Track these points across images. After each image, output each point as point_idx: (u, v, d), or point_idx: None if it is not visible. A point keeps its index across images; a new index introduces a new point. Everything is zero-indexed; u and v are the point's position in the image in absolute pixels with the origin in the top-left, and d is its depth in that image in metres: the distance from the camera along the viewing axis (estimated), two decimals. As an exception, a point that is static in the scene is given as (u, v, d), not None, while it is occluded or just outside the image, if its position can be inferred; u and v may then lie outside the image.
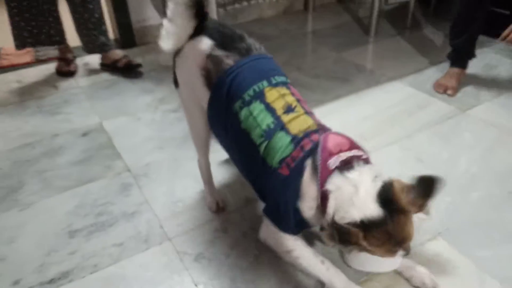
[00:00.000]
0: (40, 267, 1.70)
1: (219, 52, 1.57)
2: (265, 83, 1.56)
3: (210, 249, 1.75)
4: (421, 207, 1.33)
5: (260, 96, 1.53)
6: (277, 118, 1.51)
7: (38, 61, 3.49)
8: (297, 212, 1.49)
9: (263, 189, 1.64)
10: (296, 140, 1.48)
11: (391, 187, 1.34)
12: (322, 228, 1.48)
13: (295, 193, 1.48)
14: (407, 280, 1.60)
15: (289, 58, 3.44)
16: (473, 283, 1.56)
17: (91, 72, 3.32)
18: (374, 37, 3.76)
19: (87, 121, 2.67)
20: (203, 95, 1.63)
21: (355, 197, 1.35)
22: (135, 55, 3.47)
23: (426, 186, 1.32)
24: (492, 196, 1.96)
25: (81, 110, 2.80)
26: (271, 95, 1.55)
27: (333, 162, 1.41)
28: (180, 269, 1.67)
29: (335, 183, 1.39)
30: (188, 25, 1.59)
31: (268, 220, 1.59)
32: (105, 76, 3.25)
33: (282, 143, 1.48)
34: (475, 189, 2.01)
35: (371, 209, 1.32)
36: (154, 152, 2.36)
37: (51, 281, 1.65)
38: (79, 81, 3.18)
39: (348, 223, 1.30)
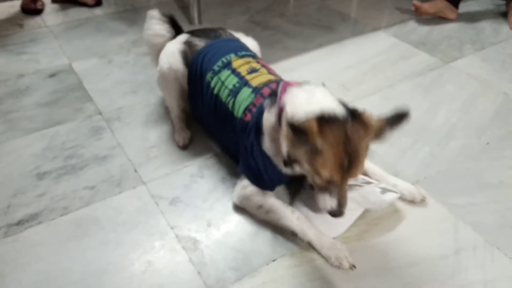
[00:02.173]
0: (7, 209, 1.63)
1: (194, 39, 1.89)
2: (232, 55, 1.75)
3: (186, 193, 1.71)
4: (380, 131, 1.29)
5: (227, 65, 1.71)
6: (241, 78, 1.65)
7: (1, -3, 3.23)
8: (264, 154, 1.50)
9: (236, 146, 1.67)
10: (257, 90, 1.59)
11: (357, 108, 1.34)
12: (285, 162, 1.44)
13: (258, 132, 1.51)
14: (401, 195, 1.62)
15: (271, 3, 3.30)
16: (447, 229, 1.58)
17: (59, 10, 3.10)
18: (359, -14, 3.63)
19: (55, 62, 2.51)
20: (182, 72, 1.88)
21: (313, 98, 1.36)
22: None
23: (391, 116, 1.30)
24: (470, 147, 1.97)
25: (49, 50, 2.62)
26: (237, 63, 1.72)
27: (291, 87, 1.45)
28: (155, 213, 1.62)
29: (291, 93, 1.42)
30: (165, 30, 2.02)
31: (240, 180, 1.62)
32: (74, 15, 3.05)
33: (244, 95, 1.60)
34: (454, 139, 2.01)
35: (333, 106, 1.31)
36: (127, 95, 2.25)
37: (19, 222, 1.58)
38: (47, 20, 2.97)
39: (304, 119, 1.24)
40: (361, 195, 1.55)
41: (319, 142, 1.23)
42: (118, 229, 1.56)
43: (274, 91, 1.53)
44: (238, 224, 1.59)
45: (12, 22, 2.93)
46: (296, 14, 3.16)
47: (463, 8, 3.08)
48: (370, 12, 3.20)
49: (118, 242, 1.52)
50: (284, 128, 1.36)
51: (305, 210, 1.60)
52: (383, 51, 2.70)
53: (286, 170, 1.51)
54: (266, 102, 1.51)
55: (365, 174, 1.69)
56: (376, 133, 1.29)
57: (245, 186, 1.59)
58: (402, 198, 1.65)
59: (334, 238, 1.51)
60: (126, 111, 2.14)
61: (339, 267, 1.43)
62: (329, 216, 1.42)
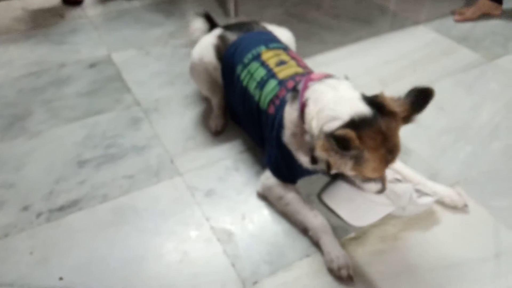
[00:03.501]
0: (49, 195, 1.68)
1: (227, 33, 1.92)
2: (262, 47, 1.74)
3: (221, 186, 1.72)
4: (407, 115, 1.30)
5: (257, 57, 1.71)
6: (269, 70, 1.64)
7: (44, -12, 3.33)
8: (285, 147, 1.50)
9: (262, 135, 1.69)
10: (282, 83, 1.58)
11: (376, 94, 1.33)
12: (313, 160, 1.44)
13: (279, 126, 1.50)
14: (440, 202, 1.60)
15: (308, -3, 3.26)
16: (488, 232, 1.54)
17: (99, 1, 3.17)
18: (399, -21, 3.54)
19: (95, 52, 2.57)
20: (214, 65, 1.91)
21: (337, 96, 1.34)
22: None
23: (415, 95, 1.31)
24: (514, 147, 1.90)
25: (89, 41, 2.69)
26: (267, 55, 1.71)
27: (313, 82, 1.43)
28: (191, 204, 1.65)
29: (313, 89, 1.40)
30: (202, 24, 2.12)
31: (265, 171, 1.63)
32: (114, 6, 3.11)
33: (270, 87, 1.59)
34: (497, 139, 1.94)
35: (360, 106, 1.29)
36: (164, 87, 2.28)
37: (61, 208, 1.63)
38: (87, 11, 3.04)
39: (339, 127, 1.25)
40: (393, 191, 1.53)
41: (361, 149, 1.24)
42: (155, 218, 1.59)
43: (296, 85, 1.52)
44: (272, 219, 1.59)
45: (54, 13, 3.01)
46: (333, 6, 3.11)
47: (507, 3, 2.95)
48: (410, 5, 3.11)
49: (155, 231, 1.55)
50: (316, 133, 1.35)
51: (336, 198, 1.60)
52: (423, 46, 2.63)
53: (309, 166, 1.50)
54: (288, 96, 1.51)
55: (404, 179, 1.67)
56: (404, 118, 1.30)
57: (268, 177, 1.61)
58: (443, 204, 1.61)
59: (360, 226, 1.53)
60: (163, 103, 2.16)
61: (337, 274, 1.39)
62: (357, 206, 1.53)
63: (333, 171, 1.38)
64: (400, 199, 1.53)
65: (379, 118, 1.26)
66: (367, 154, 1.25)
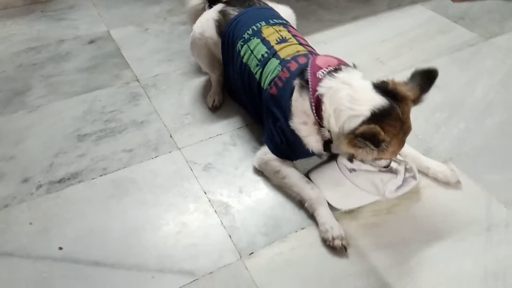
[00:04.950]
0: (49, 167, 1.71)
1: (228, 8, 1.91)
2: (263, 23, 1.75)
3: (219, 160, 1.75)
4: (417, 96, 1.38)
5: (257, 33, 1.72)
6: (270, 47, 1.66)
7: (41, -36, 3.29)
8: (293, 132, 1.52)
9: (261, 112, 1.71)
10: (284, 63, 1.59)
11: (385, 81, 1.39)
12: (326, 148, 1.51)
13: (287, 113, 1.52)
14: (434, 178, 1.64)
15: (306, -25, 3.24)
16: (480, 206, 1.58)
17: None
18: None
19: (93, 29, 2.57)
20: (215, 40, 1.91)
21: (352, 92, 1.37)
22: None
23: (420, 77, 1.40)
24: (508, 123, 1.93)
25: (88, 17, 2.68)
26: (268, 31, 1.72)
27: (321, 73, 1.45)
28: (190, 177, 1.68)
29: (325, 85, 1.42)
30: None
31: (263, 146, 1.67)
32: (112, -17, 3.08)
33: (272, 67, 1.61)
34: (491, 115, 1.97)
35: (376, 99, 1.34)
36: (163, 63, 2.30)
37: (61, 180, 1.66)
38: (85, -13, 3.02)
39: (362, 123, 1.30)
40: (381, 180, 1.56)
41: (387, 141, 1.31)
42: (154, 190, 1.63)
43: (302, 70, 1.52)
44: (268, 192, 1.63)
45: (52, -11, 2.99)
46: (331, -15, 3.09)
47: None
48: (409, -16, 3.10)
49: (154, 202, 1.59)
50: (338, 132, 1.39)
51: (324, 179, 1.62)
52: (420, 24, 2.63)
53: (317, 151, 1.55)
54: (296, 83, 1.50)
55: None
56: (414, 102, 1.38)
57: (266, 152, 1.64)
58: (436, 180, 1.64)
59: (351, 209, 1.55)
60: (162, 79, 2.18)
61: (331, 245, 1.42)
62: (344, 190, 1.56)
63: (356, 161, 1.48)
64: (387, 187, 1.55)
65: (395, 106, 1.33)
66: (390, 142, 1.33)
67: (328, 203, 1.53)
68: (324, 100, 1.41)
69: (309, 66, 1.49)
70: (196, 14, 2.07)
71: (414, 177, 1.59)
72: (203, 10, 2.06)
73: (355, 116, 1.33)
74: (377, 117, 1.30)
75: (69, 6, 2.80)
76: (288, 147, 1.58)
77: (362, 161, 1.47)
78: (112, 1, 2.87)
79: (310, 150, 1.54)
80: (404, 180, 1.58)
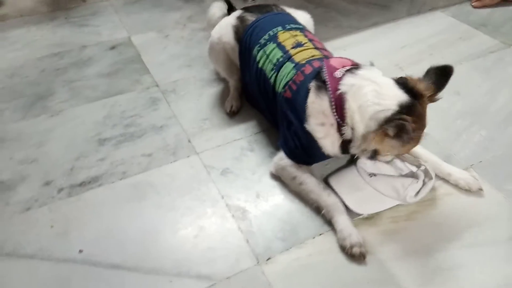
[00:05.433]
0: (70, 171, 1.74)
1: (246, 14, 1.94)
2: (279, 28, 1.77)
3: (236, 165, 1.76)
4: (433, 94, 1.39)
5: (273, 38, 1.74)
6: (285, 52, 1.67)
7: (65, -28, 3.38)
8: (308, 134, 1.52)
9: (277, 117, 1.71)
10: (298, 66, 1.60)
11: (405, 78, 1.41)
12: (344, 150, 1.50)
13: (302, 115, 1.52)
14: (455, 184, 1.62)
15: (325, -19, 3.24)
16: (502, 216, 1.54)
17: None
18: (418, -36, 3.50)
19: (115, 35, 2.62)
20: (232, 46, 1.95)
21: (377, 89, 1.37)
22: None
23: (435, 75, 1.40)
24: (530, 133, 1.89)
25: (109, 24, 2.74)
26: (284, 36, 1.74)
27: (339, 72, 1.46)
28: (207, 181, 1.69)
29: (347, 83, 1.42)
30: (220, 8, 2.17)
31: (279, 152, 1.66)
32: (133, -10, 3.15)
33: (286, 71, 1.62)
34: (512, 124, 1.93)
35: (400, 95, 1.35)
36: (182, 69, 2.32)
37: (82, 184, 1.69)
38: (107, -6, 3.09)
39: (394, 114, 1.31)
40: (402, 185, 1.54)
41: (415, 131, 1.32)
42: (172, 194, 1.64)
43: (317, 73, 1.52)
44: (285, 197, 1.63)
45: (75, -4, 3.07)
46: (351, -9, 3.09)
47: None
48: (428, -9, 3.08)
49: (172, 206, 1.60)
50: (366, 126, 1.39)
51: (343, 184, 1.61)
52: (441, 31, 2.61)
53: (333, 153, 1.54)
54: (312, 85, 1.50)
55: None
56: (430, 99, 1.40)
57: (282, 158, 1.64)
58: (457, 187, 1.62)
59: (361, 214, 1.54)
60: (181, 84, 2.21)
61: (349, 252, 1.40)
62: (363, 195, 1.54)
63: (380, 158, 1.48)
64: (408, 192, 1.53)
65: (416, 102, 1.35)
66: (416, 133, 1.34)
67: (347, 208, 1.52)
68: (347, 97, 1.40)
69: (324, 67, 1.49)
70: (216, 22, 2.10)
71: (430, 177, 1.57)
72: (223, 18, 2.09)
73: (383, 111, 1.33)
74: (403, 112, 1.31)
75: (92, 12, 2.86)
76: (303, 151, 1.57)
77: (385, 155, 1.46)
78: (134, 7, 2.93)
79: (326, 153, 1.54)
80: (423, 184, 1.56)
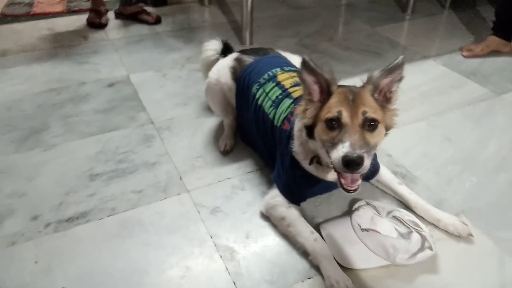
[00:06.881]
0: (59, 206, 1.73)
1: (243, 56, 2.01)
2: (278, 69, 1.85)
3: (227, 204, 1.75)
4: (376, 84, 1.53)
5: (273, 78, 1.81)
6: (284, 90, 1.74)
7: (70, 12, 3.50)
8: (292, 160, 1.57)
9: (274, 153, 1.74)
10: (296, 101, 1.65)
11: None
12: (311, 160, 1.53)
13: (290, 138, 1.58)
14: (444, 230, 1.61)
15: (321, 28, 3.36)
16: (492, 262, 1.52)
17: (122, 26, 3.31)
18: (411, 15, 3.65)
19: (114, 73, 2.67)
20: (230, 86, 1.99)
21: None
22: (166, 14, 3.46)
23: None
24: (520, 180, 1.90)
25: (109, 62, 2.80)
26: (283, 76, 1.81)
27: None
28: (196, 220, 1.67)
29: None
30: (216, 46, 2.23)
31: (271, 190, 1.67)
32: (135, 31, 3.25)
33: (285, 106, 1.68)
34: (503, 171, 1.94)
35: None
36: (178, 107, 2.35)
37: (69, 219, 1.67)
38: (109, 34, 3.18)
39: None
40: (393, 246, 1.49)
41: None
42: (160, 232, 1.62)
43: None
44: (275, 238, 1.61)
45: (78, 34, 3.15)
46: (345, 39, 3.20)
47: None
48: (420, 41, 3.18)
49: (159, 244, 1.57)
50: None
51: (335, 234, 1.58)
52: (432, 79, 2.67)
53: (313, 170, 1.55)
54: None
55: (408, 205, 1.69)
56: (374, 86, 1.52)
57: (273, 196, 1.64)
58: (446, 232, 1.61)
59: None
60: (176, 122, 2.23)
61: None
62: (353, 251, 1.50)
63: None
64: (398, 254, 1.49)
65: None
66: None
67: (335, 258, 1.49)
68: None
69: None
70: (209, 65, 2.18)
71: (430, 248, 1.51)
72: (216, 61, 2.16)
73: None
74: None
75: (93, 51, 2.93)
76: (295, 183, 1.59)
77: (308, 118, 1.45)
78: (134, 47, 3.01)
79: (309, 172, 1.57)
80: (420, 250, 1.51)
